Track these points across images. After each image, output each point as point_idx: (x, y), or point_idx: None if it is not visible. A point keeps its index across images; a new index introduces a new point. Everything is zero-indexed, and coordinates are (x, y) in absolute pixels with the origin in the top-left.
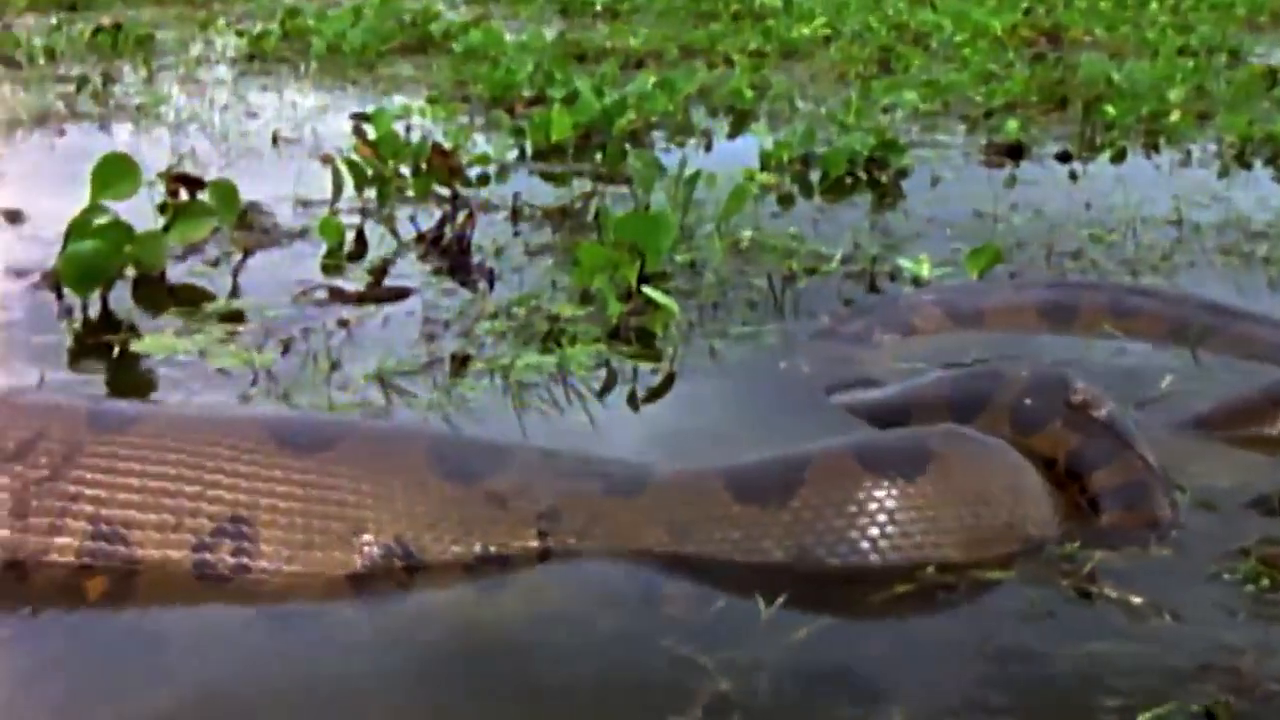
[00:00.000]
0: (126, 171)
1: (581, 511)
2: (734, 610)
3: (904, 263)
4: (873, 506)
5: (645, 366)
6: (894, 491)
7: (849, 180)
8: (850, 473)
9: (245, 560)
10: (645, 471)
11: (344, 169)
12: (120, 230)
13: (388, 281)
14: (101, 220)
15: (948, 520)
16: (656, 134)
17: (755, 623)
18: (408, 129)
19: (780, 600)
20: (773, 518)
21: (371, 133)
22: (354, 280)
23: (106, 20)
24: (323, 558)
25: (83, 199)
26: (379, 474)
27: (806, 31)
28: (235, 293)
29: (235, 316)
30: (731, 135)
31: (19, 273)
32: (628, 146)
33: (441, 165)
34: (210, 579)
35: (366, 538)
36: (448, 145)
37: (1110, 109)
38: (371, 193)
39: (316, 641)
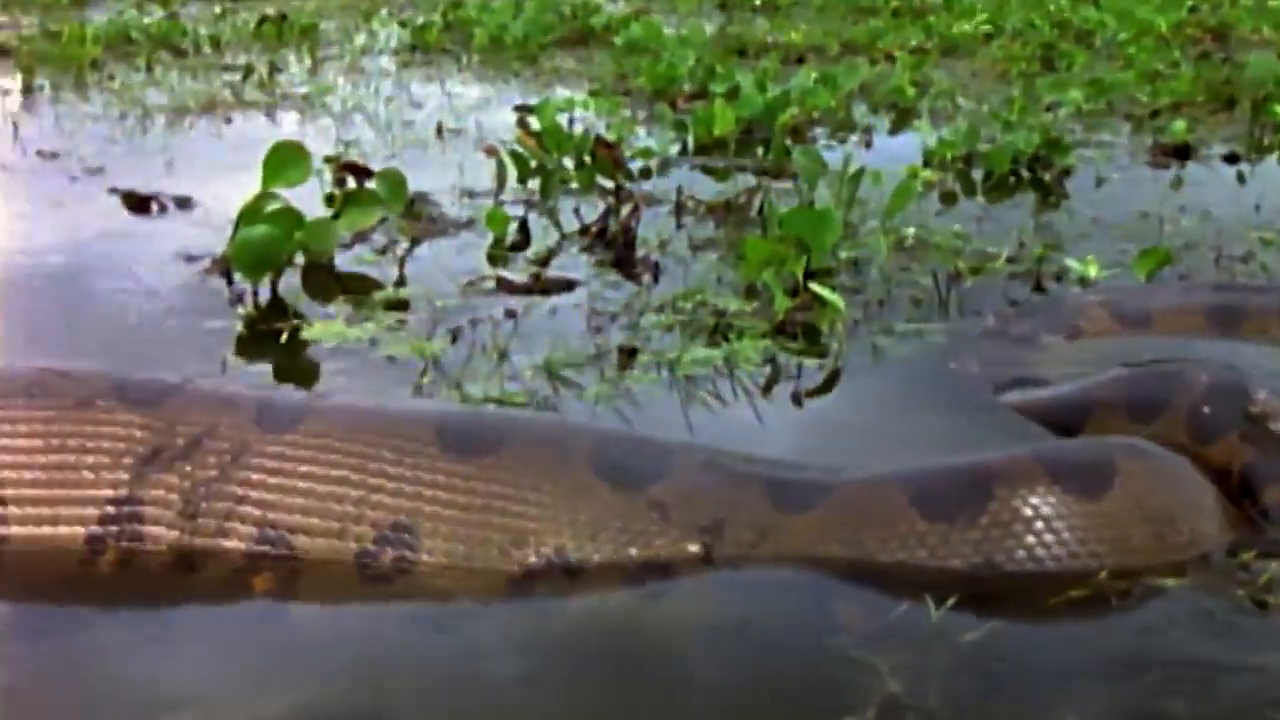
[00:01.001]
0: (297, 159)
1: (749, 526)
2: (905, 612)
3: (1071, 263)
4: (1059, 524)
5: (810, 363)
6: (1081, 508)
7: (1012, 179)
8: (1038, 488)
9: (407, 564)
10: (818, 483)
11: (508, 160)
12: (291, 217)
13: (551, 273)
14: (273, 207)
15: (1132, 538)
16: (818, 130)
17: (926, 625)
18: (570, 122)
19: (951, 603)
20: (961, 535)
21: (535, 125)
22: (518, 271)
23: (271, 10)
24: (484, 564)
25: (251, 186)
26: (542, 481)
27: (968, 28)
28: (402, 281)
29: (402, 305)
30: (893, 132)
31: (190, 258)
32: (789, 142)
33: (606, 158)
34: (373, 579)
35: (528, 546)
36: (611, 138)
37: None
38: (535, 184)
39: (474, 645)
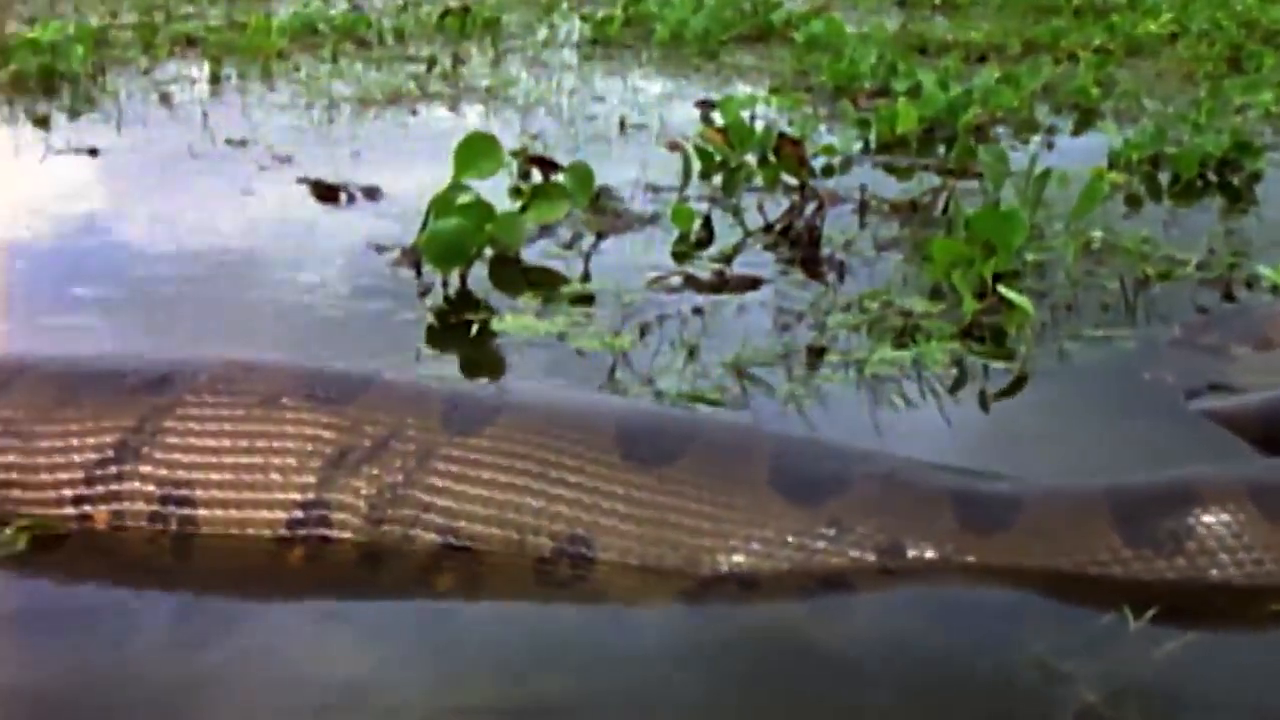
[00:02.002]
0: (489, 151)
1: (933, 545)
2: (1101, 625)
3: (1263, 270)
4: (1261, 544)
5: (997, 365)
6: None
7: (1200, 182)
8: (1241, 508)
9: (583, 572)
10: (1010, 499)
11: (693, 155)
12: (482, 209)
13: (736, 270)
14: (464, 199)
15: None
16: (1000, 129)
17: (1124, 635)
18: (752, 118)
19: (1150, 614)
20: (1167, 563)
21: (719, 120)
22: (701, 267)
23: (454, 3)
24: (658, 574)
25: (437, 177)
26: (718, 494)
27: (1152, 28)
28: (587, 276)
29: (588, 299)
30: (1076, 133)
31: (379, 249)
32: (972, 142)
33: (791, 155)
34: (550, 584)
35: (703, 558)
36: (795, 135)
37: None
38: (717, 180)
39: (646, 652)
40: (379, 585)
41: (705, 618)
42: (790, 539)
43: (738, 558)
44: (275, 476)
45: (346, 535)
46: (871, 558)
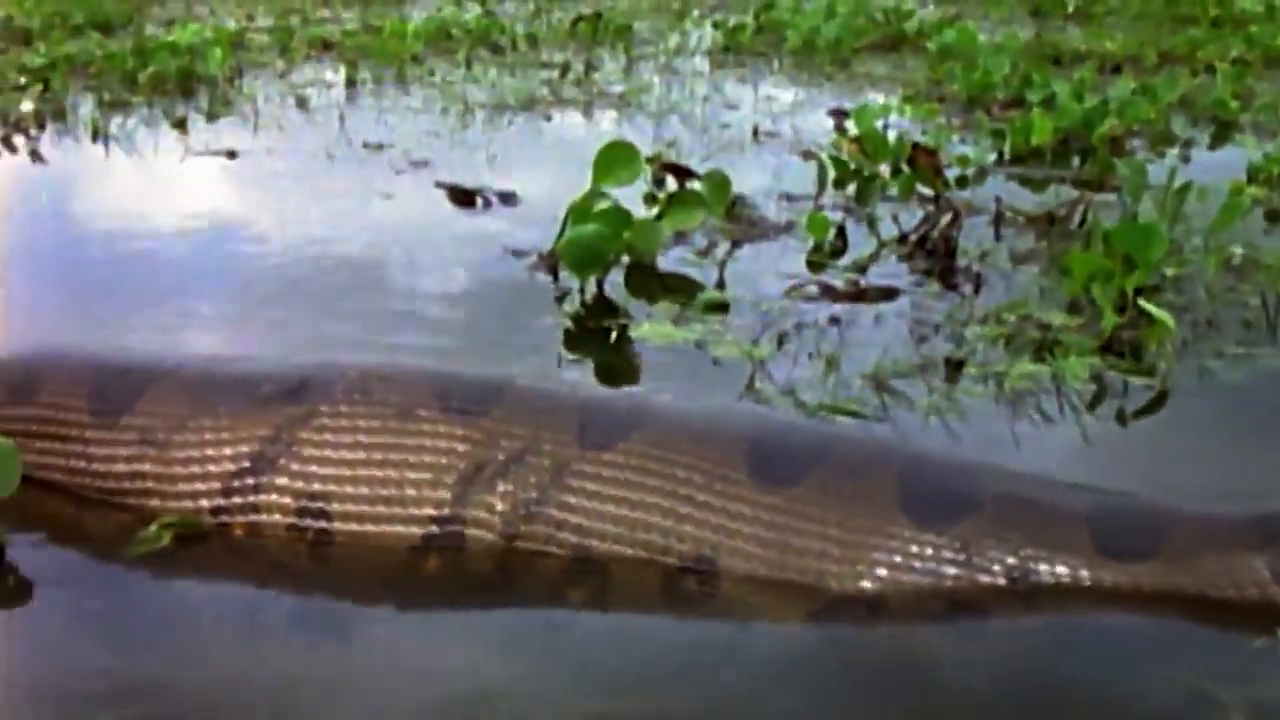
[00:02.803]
0: (627, 158)
1: (1067, 569)
2: (1253, 648)
3: None
4: None
5: (1137, 382)
6: None
7: None
8: None
9: (709, 590)
10: (1153, 527)
11: (828, 164)
12: (620, 216)
13: (871, 280)
14: (602, 205)
15: None
16: (1135, 142)
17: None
18: (884, 127)
19: None
20: None
21: (852, 130)
22: (836, 276)
23: (587, 9)
24: (784, 593)
25: (572, 183)
26: (845, 515)
27: None
28: (722, 283)
29: (723, 307)
30: (1213, 146)
31: (516, 254)
32: (1108, 154)
33: (926, 165)
34: (678, 599)
35: (830, 579)
36: (929, 145)
37: None
38: (852, 190)
39: (768, 670)
40: (510, 597)
41: (830, 638)
42: (918, 560)
43: (864, 578)
44: (410, 491)
45: (480, 548)
46: (1002, 581)
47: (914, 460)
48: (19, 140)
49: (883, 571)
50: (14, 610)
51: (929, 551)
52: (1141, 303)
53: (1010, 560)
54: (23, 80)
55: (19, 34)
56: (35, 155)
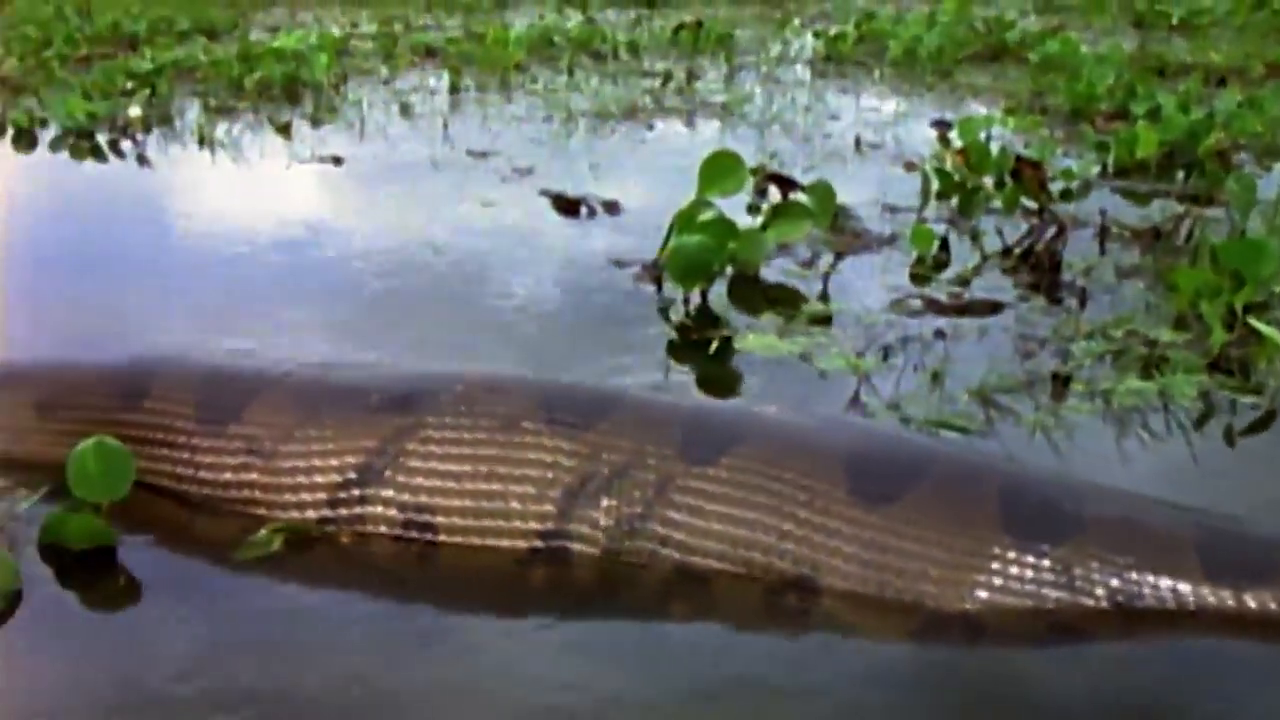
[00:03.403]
0: (732, 169)
1: (1173, 595)
2: None
3: None
4: None
5: (1246, 400)
6: None
7: None
8: None
9: (809, 606)
10: (1259, 553)
11: (932, 176)
12: (725, 226)
13: (976, 294)
14: (707, 215)
15: None
16: (1242, 155)
17: None
18: (987, 139)
19: None
20: None
21: (955, 141)
22: (939, 290)
23: (689, 18)
24: (884, 612)
25: (676, 192)
26: (944, 535)
27: None
28: (825, 296)
29: (826, 320)
30: None
31: (620, 263)
32: (1215, 167)
33: (1031, 178)
34: (779, 615)
35: (929, 598)
36: (1033, 157)
37: None
38: (954, 202)
39: (868, 691)
40: (614, 609)
41: (929, 658)
42: (1019, 581)
43: (964, 598)
44: (515, 505)
45: (583, 561)
46: (1106, 604)
47: (1017, 478)
48: (126, 145)
49: (983, 592)
50: (124, 611)
51: (1030, 572)
52: (1250, 320)
53: (1115, 583)
54: (130, 85)
55: (126, 39)
56: (142, 160)
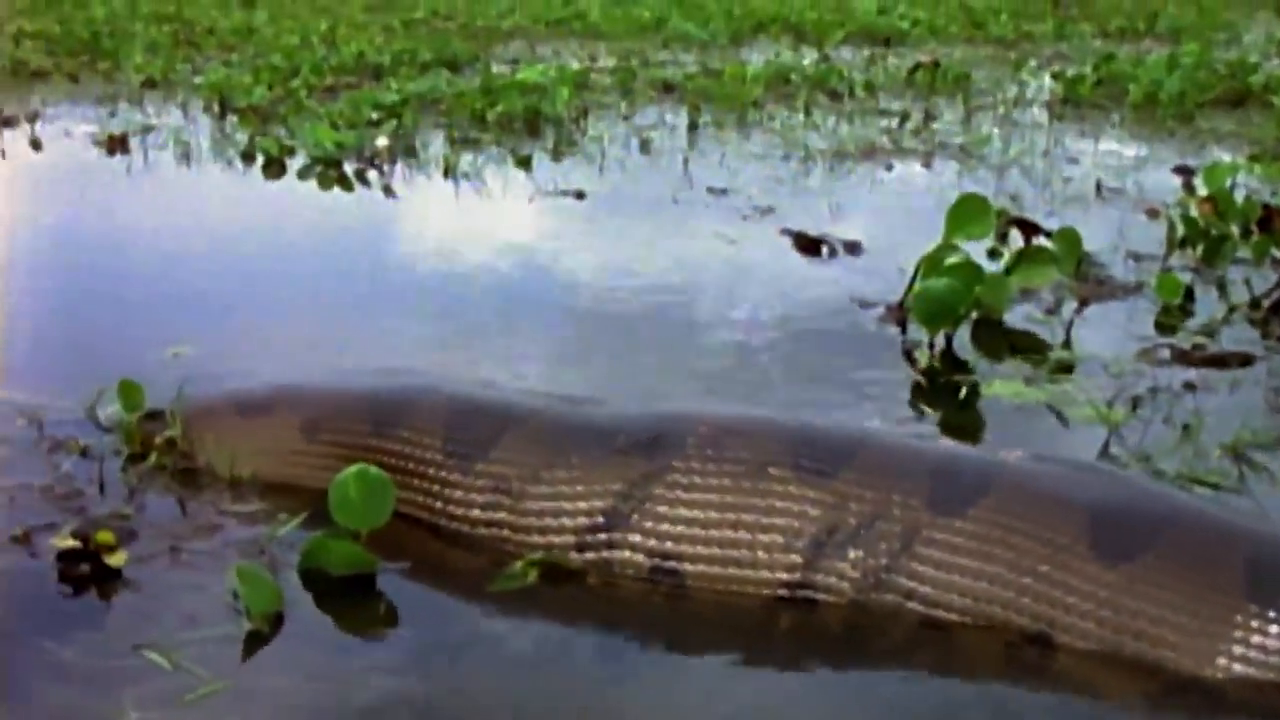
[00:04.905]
0: (980, 213)
1: None
2: None
3: None
4: None
5: None
6: None
7: None
8: None
9: (1048, 661)
10: None
11: (1178, 224)
12: (972, 270)
13: (1221, 345)
14: (953, 259)
15: None
16: None
17: None
18: (1231, 186)
19: None
20: None
21: (1201, 188)
22: (1185, 340)
23: (924, 57)
24: (1122, 672)
25: (916, 234)
26: (1189, 596)
27: None
28: (1067, 343)
29: (1069, 367)
30: None
31: (864, 304)
32: None
33: None
34: (1014, 670)
35: (1167, 665)
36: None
37: None
38: (1199, 250)
39: None
40: (857, 658)
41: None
42: (1263, 651)
43: (1204, 664)
44: (762, 554)
45: (828, 609)
46: None
47: (1265, 541)
48: (372, 174)
49: (1223, 660)
50: (382, 637)
51: (1276, 643)
52: None
53: None
54: (376, 115)
55: (370, 69)
56: (388, 190)
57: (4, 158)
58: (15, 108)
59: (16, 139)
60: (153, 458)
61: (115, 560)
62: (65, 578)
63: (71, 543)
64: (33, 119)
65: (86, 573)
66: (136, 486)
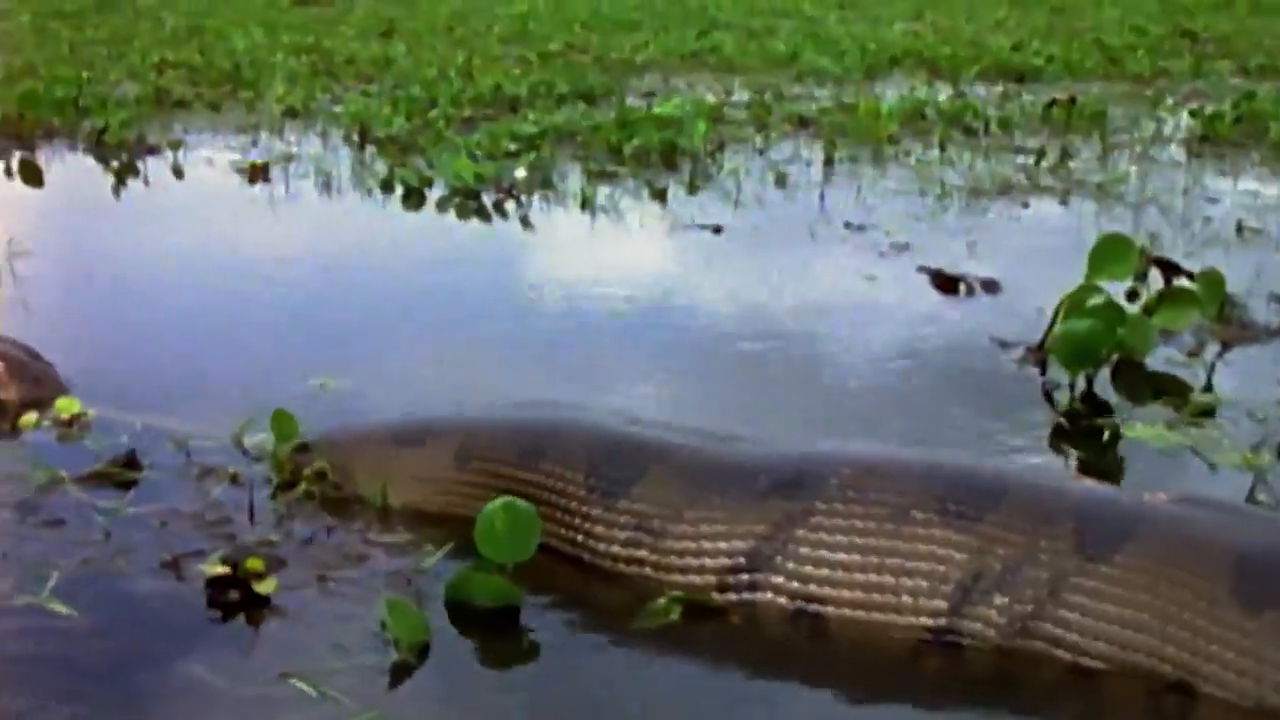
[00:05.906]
0: (1123, 253)
1: None
2: None
3: None
4: None
5: None
6: None
7: None
8: None
9: (1191, 712)
10: None
11: None
12: (1114, 311)
13: None
14: (1095, 300)
15: None
16: None
17: None
18: None
19: None
20: None
21: None
22: None
23: (1060, 94)
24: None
25: (1055, 274)
26: None
27: None
28: (1209, 387)
29: (1211, 411)
30: None
31: (1003, 344)
32: None
33: None
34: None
35: None
36: None
37: None
38: None
39: None
40: (998, 708)
41: None
42: None
43: None
44: (906, 598)
45: (972, 654)
46: None
47: None
48: (510, 206)
49: None
50: (526, 671)
51: None
52: None
53: None
54: (514, 147)
55: (507, 101)
56: (525, 222)
57: (147, 185)
58: (158, 136)
59: (160, 167)
60: (301, 486)
61: (264, 587)
62: (214, 604)
63: (221, 569)
64: (175, 147)
65: (235, 600)
66: (285, 515)
